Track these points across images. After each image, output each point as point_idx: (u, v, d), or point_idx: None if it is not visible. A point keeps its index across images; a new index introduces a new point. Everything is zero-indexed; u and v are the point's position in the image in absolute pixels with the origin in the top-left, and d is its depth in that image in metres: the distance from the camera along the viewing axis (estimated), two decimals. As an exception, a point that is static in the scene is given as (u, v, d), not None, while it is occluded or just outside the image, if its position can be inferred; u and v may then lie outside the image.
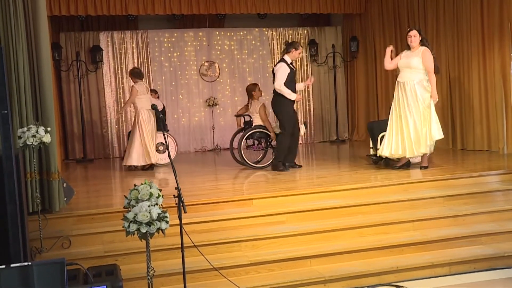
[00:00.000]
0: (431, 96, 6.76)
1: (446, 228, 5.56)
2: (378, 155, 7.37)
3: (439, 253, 5.25)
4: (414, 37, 6.87)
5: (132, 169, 8.40)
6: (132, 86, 8.41)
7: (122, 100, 10.64)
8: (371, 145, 7.73)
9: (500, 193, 6.16)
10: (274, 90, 7.41)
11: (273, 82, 7.41)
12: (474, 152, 8.39)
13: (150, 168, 8.33)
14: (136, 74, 8.43)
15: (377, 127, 7.60)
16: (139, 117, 8.24)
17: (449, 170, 6.80)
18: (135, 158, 8.19)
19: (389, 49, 7.17)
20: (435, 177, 6.39)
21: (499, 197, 6.13)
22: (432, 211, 5.75)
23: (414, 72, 6.83)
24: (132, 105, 8.43)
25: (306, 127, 8.31)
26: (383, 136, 7.39)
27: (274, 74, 7.40)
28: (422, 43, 6.84)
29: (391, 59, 7.09)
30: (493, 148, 8.27)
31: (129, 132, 9.43)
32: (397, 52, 10.42)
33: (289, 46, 7.45)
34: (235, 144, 8.12)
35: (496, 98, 8.14)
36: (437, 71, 6.94)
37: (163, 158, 8.71)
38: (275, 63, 7.74)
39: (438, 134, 6.82)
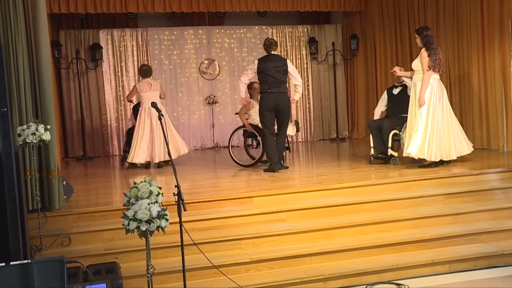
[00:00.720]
0: (419, 100, 6.66)
1: (446, 226, 5.56)
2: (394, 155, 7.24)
3: (439, 251, 5.25)
4: (415, 39, 6.94)
5: (134, 166, 8.38)
6: (134, 84, 8.59)
7: (122, 98, 10.66)
8: (372, 145, 7.54)
9: (500, 191, 6.16)
10: (283, 88, 7.10)
11: (281, 80, 7.07)
12: (474, 150, 8.37)
13: (147, 166, 8.27)
14: (141, 72, 8.50)
15: (388, 124, 7.34)
16: (139, 114, 8.25)
17: (449, 168, 6.78)
18: (132, 155, 8.18)
19: (396, 69, 7.29)
20: (436, 175, 6.38)
21: (499, 195, 6.13)
22: (433, 209, 5.75)
23: (415, 74, 6.88)
24: None
25: (298, 129, 8.15)
26: (394, 134, 7.28)
27: (278, 71, 7.05)
28: (422, 43, 6.82)
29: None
30: (493, 146, 8.27)
31: (128, 130, 9.43)
32: (397, 57, 10.43)
33: (275, 44, 7.25)
34: (234, 143, 8.12)
35: (496, 96, 8.13)
36: (433, 69, 6.74)
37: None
38: (269, 59, 7.17)
39: (411, 149, 6.66)
